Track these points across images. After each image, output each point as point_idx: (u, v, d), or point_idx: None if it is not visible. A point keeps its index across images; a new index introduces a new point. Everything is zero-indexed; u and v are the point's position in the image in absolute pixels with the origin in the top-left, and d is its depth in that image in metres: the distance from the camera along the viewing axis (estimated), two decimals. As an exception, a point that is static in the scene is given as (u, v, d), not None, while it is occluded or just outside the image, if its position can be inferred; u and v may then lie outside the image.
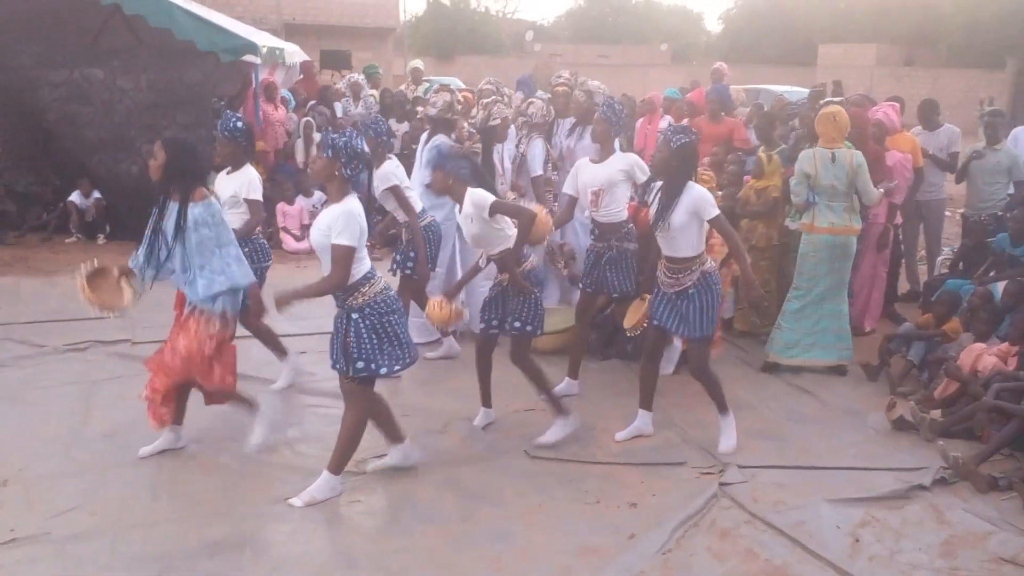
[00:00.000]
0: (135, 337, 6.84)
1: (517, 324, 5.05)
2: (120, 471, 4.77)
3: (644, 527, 4.32)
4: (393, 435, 4.80)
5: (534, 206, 6.03)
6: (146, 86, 10.27)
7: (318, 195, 10.57)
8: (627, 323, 5.63)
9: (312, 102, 12.20)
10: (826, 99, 8.81)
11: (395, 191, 6.11)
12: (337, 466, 4.56)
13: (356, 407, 4.52)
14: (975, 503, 4.64)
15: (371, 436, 5.21)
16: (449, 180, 5.01)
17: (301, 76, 13.45)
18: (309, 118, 11.56)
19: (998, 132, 8.19)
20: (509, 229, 5.06)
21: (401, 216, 6.25)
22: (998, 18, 31.42)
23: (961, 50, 34.10)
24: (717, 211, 4.93)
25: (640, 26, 50.78)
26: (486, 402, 5.46)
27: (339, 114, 12.05)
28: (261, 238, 6.01)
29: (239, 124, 5.63)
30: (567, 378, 6.05)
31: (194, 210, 4.52)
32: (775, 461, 5.08)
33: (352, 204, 4.31)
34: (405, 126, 11.52)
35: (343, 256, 4.23)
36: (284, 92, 12.25)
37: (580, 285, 6.12)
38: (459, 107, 7.06)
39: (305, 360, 6.39)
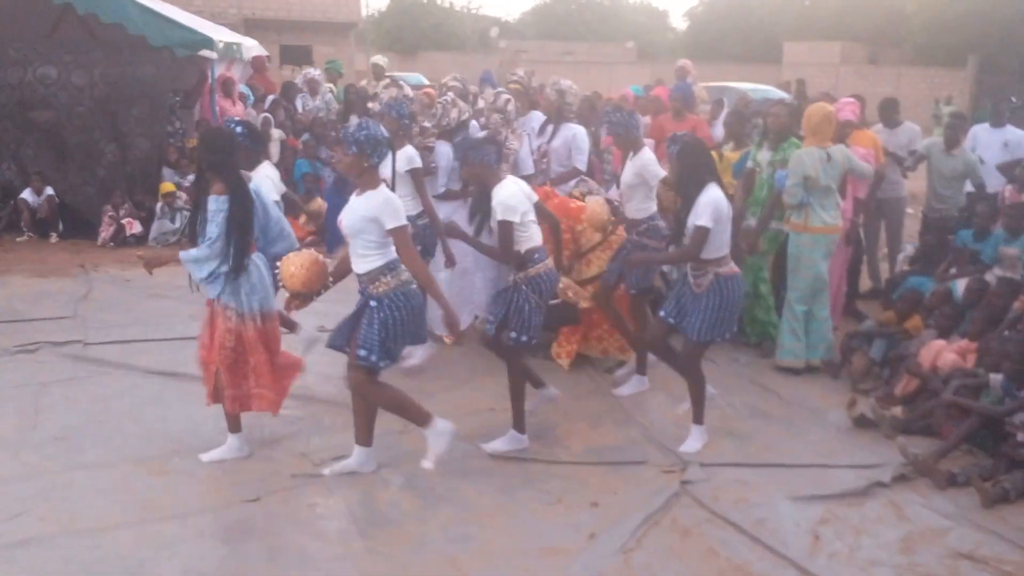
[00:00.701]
0: (87, 338, 6.70)
1: (513, 334, 4.90)
2: (71, 475, 4.66)
3: (605, 526, 4.28)
4: (363, 435, 4.74)
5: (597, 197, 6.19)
6: (100, 80, 10.08)
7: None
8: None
9: (271, 96, 12.06)
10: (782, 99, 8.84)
11: (415, 175, 6.09)
12: (421, 422, 4.61)
13: (370, 395, 4.57)
14: (934, 499, 4.65)
15: (328, 438, 5.17)
16: (478, 170, 4.96)
17: (252, 72, 13.26)
18: (267, 114, 11.42)
19: (957, 135, 8.19)
20: (528, 230, 4.96)
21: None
22: (961, 17, 31.85)
23: (924, 49, 34.52)
24: (705, 223, 4.87)
25: (605, 23, 50.92)
26: (537, 384, 5.31)
27: (298, 109, 11.93)
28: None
29: (239, 130, 5.51)
30: (635, 375, 6.06)
31: (209, 201, 4.56)
32: (737, 458, 5.07)
33: (387, 190, 4.46)
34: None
35: (406, 237, 4.39)
36: (242, 88, 12.10)
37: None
38: (415, 106, 7.01)
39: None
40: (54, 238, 9.99)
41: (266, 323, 4.78)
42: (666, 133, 9.31)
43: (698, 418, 5.20)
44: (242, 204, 4.59)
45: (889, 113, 8.61)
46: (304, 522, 4.32)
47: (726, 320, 5.05)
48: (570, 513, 4.44)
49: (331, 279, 4.72)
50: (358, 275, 4.47)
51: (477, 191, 5.34)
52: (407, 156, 6.03)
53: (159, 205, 10.11)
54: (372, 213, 4.34)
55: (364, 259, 4.42)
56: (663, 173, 5.78)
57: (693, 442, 5.16)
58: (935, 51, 33.52)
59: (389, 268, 4.41)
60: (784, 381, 6.30)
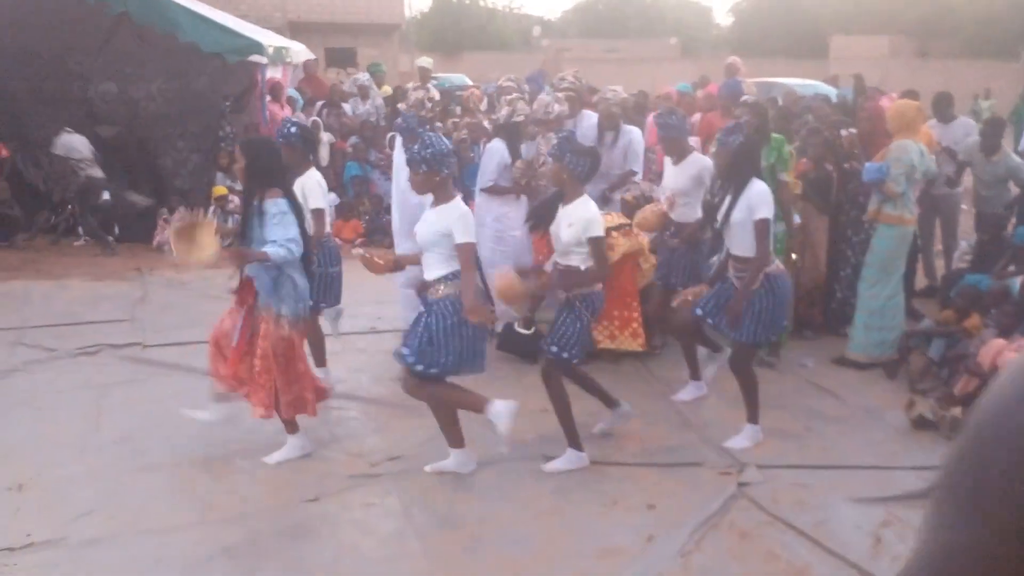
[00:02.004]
0: (146, 340, 6.82)
1: (554, 348, 4.75)
2: (134, 476, 4.75)
3: (663, 528, 4.26)
4: (476, 406, 4.70)
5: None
6: (157, 94, 10.34)
7: (332, 195, 10.60)
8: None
9: (321, 102, 12.18)
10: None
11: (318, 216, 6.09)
12: (452, 441, 4.72)
13: (423, 397, 4.63)
14: (997, 501, 4.56)
15: (383, 438, 5.20)
16: (564, 175, 4.74)
17: (303, 76, 13.41)
18: (316, 118, 11.54)
19: (994, 142, 7.93)
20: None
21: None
22: (1012, 8, 31.23)
23: (974, 41, 33.89)
24: (766, 215, 4.84)
25: (648, 20, 50.60)
26: (609, 403, 5.19)
27: (348, 113, 12.04)
28: (332, 241, 5.96)
29: (293, 129, 5.58)
30: (691, 380, 5.98)
31: (267, 205, 4.62)
32: (794, 460, 5.02)
33: (463, 205, 4.53)
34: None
35: (472, 252, 4.41)
36: (291, 92, 12.24)
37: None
38: (431, 105, 7.09)
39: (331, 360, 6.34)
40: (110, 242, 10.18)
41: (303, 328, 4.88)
42: (714, 130, 9.27)
43: (752, 417, 5.15)
44: (298, 206, 4.70)
45: (943, 108, 8.48)
46: (361, 522, 4.36)
47: (778, 319, 5.02)
48: (627, 515, 4.42)
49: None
50: (431, 280, 4.53)
51: (551, 196, 5.12)
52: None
53: (211, 208, 10.25)
54: (446, 227, 4.39)
55: (431, 268, 4.50)
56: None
57: (742, 439, 5.13)
58: (985, 43, 32.91)
59: (450, 277, 4.44)
60: (841, 382, 6.23)
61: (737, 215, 4.90)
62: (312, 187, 5.54)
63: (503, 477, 4.79)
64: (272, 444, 5.03)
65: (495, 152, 6.76)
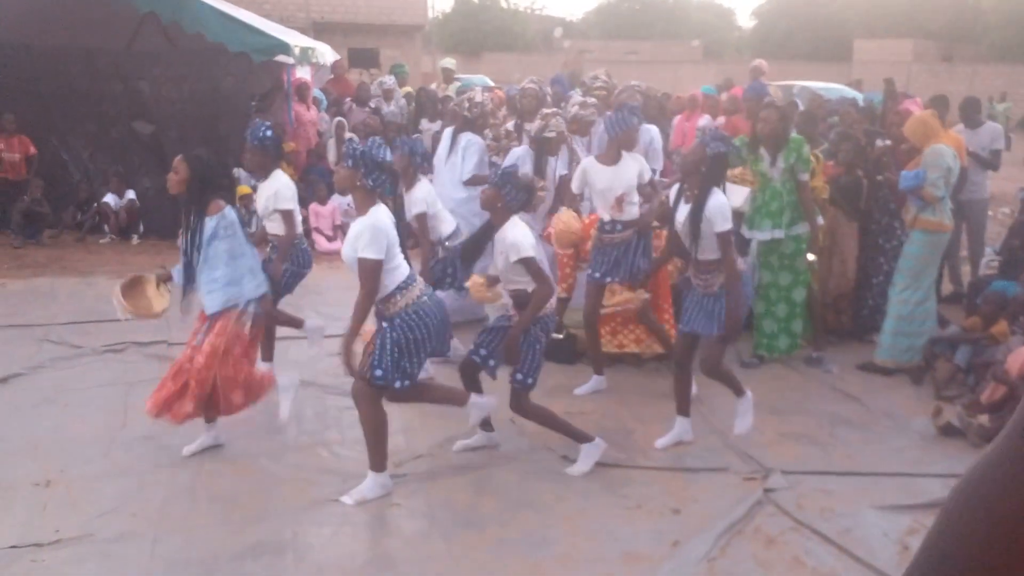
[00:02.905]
0: (171, 338, 6.85)
1: (519, 376, 4.70)
2: (159, 473, 4.78)
3: (688, 534, 4.25)
4: (456, 400, 4.76)
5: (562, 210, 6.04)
6: (189, 96, 10.45)
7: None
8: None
9: (348, 99, 12.22)
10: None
11: (420, 219, 6.10)
12: (376, 464, 4.54)
13: (365, 408, 4.48)
14: (1026, 510, 4.52)
15: (407, 437, 5.21)
16: (498, 203, 4.76)
17: (331, 76, 13.47)
18: (341, 118, 11.57)
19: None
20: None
21: None
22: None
23: (1001, 45, 33.57)
24: (728, 226, 4.86)
25: (670, 22, 50.52)
26: (579, 438, 5.01)
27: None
28: (304, 243, 5.99)
29: (268, 133, 5.59)
30: (594, 375, 6.04)
31: (209, 223, 4.66)
32: (820, 467, 5.00)
33: (377, 216, 4.30)
34: (437, 125, 11.50)
35: (370, 270, 4.23)
36: (315, 92, 12.28)
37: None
38: (489, 107, 7.12)
39: (338, 361, 6.38)
40: (135, 240, 10.27)
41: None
42: (740, 133, 9.25)
43: (738, 391, 5.13)
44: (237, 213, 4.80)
45: (970, 113, 8.42)
46: (387, 523, 4.38)
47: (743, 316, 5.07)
48: (651, 519, 4.41)
49: None
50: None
51: (478, 230, 5.14)
52: (413, 199, 6.09)
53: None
54: (355, 240, 4.28)
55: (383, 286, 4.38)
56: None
57: (743, 421, 5.13)
58: (1012, 47, 32.59)
59: (399, 289, 4.34)
60: (866, 388, 6.19)
61: (704, 225, 4.86)
62: (282, 189, 5.55)
63: (527, 479, 4.79)
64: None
65: (517, 157, 6.75)
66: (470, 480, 4.76)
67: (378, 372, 4.33)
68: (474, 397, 4.74)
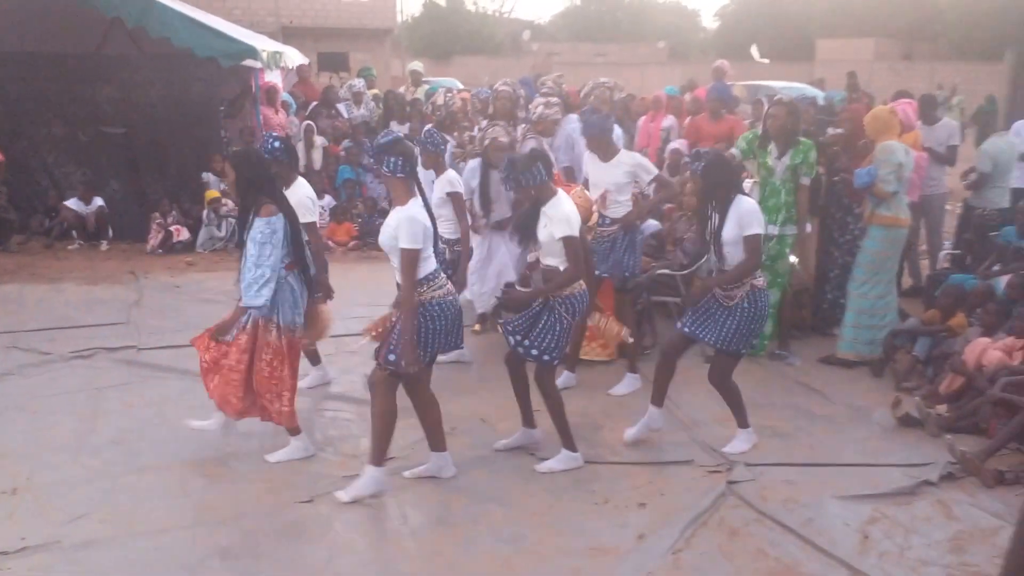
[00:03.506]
0: (140, 344, 6.86)
1: (535, 352, 4.77)
2: (129, 478, 4.78)
3: (654, 526, 4.33)
4: (436, 442, 4.81)
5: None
6: (158, 102, 10.42)
7: (327, 198, 10.73)
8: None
9: (314, 103, 12.23)
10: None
11: (454, 197, 6.23)
12: (376, 458, 4.61)
13: (380, 397, 4.55)
14: (982, 498, 4.65)
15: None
16: (531, 191, 4.83)
17: (296, 80, 13.44)
18: (310, 122, 11.58)
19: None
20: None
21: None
22: (996, 10, 31.42)
23: (960, 43, 34.07)
24: (758, 230, 4.91)
25: (636, 24, 50.75)
26: (527, 422, 5.18)
27: (343, 114, 12.10)
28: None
29: (277, 144, 5.58)
30: (564, 371, 6.12)
31: (259, 223, 4.70)
32: (782, 458, 5.09)
33: (414, 208, 4.43)
34: (405, 127, 11.54)
35: (409, 259, 4.35)
36: (284, 96, 12.27)
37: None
38: (456, 105, 7.27)
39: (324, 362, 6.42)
40: (104, 246, 10.21)
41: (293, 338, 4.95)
42: (703, 134, 9.39)
43: (742, 422, 5.21)
44: (292, 219, 4.80)
45: (927, 109, 8.58)
46: (357, 523, 4.41)
47: (755, 331, 5.09)
48: (618, 513, 4.48)
49: None
50: (398, 285, 4.54)
51: (526, 208, 5.14)
52: (447, 180, 6.23)
53: (205, 212, 10.30)
54: (395, 231, 4.40)
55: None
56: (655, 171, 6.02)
57: (740, 443, 5.17)
58: (971, 45, 33.07)
59: (426, 280, 4.45)
60: (827, 380, 6.31)
61: (727, 233, 4.93)
62: (302, 201, 5.52)
63: (495, 477, 4.85)
64: (268, 446, 5.09)
65: (470, 170, 6.93)
66: (440, 480, 4.80)
67: (391, 357, 4.43)
68: (444, 455, 4.80)
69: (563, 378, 6.11)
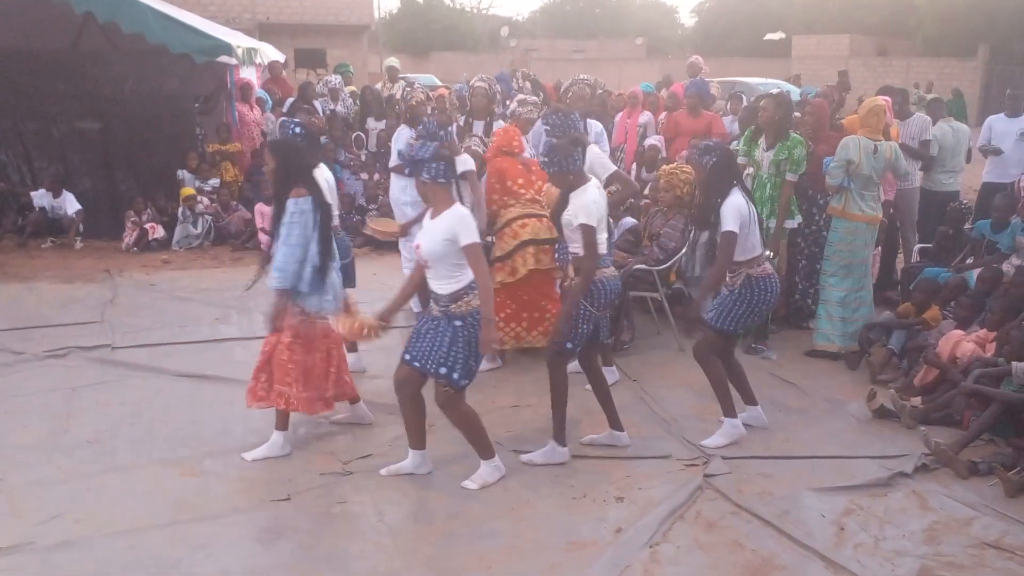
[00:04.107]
0: (115, 342, 6.79)
1: (443, 370, 4.46)
2: (104, 478, 4.74)
3: (631, 520, 4.34)
4: (414, 440, 4.79)
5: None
6: (130, 96, 10.31)
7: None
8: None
9: (289, 100, 12.17)
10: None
11: (468, 176, 6.23)
12: (482, 452, 4.70)
13: (454, 413, 4.57)
14: (957, 489, 4.69)
15: (355, 437, 5.24)
16: (570, 176, 4.81)
17: (268, 76, 13.37)
18: (285, 119, 11.50)
19: None
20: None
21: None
22: (970, 6, 31.70)
23: (934, 39, 34.34)
24: (731, 228, 4.95)
25: (614, 20, 50.94)
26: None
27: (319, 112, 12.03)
28: (339, 233, 5.89)
29: (298, 130, 5.61)
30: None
31: (290, 204, 4.72)
32: (759, 451, 5.12)
33: (461, 208, 4.45)
34: (382, 124, 11.51)
35: (478, 253, 4.35)
36: (261, 92, 12.21)
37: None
38: (417, 98, 7.43)
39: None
40: (78, 244, 10.10)
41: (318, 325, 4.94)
42: (681, 129, 9.42)
43: (727, 411, 5.22)
44: (322, 204, 4.80)
45: (901, 104, 8.64)
46: (334, 520, 4.39)
47: (751, 316, 5.16)
48: (596, 508, 4.49)
49: None
50: (437, 295, 4.44)
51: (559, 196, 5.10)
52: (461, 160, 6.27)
53: (180, 210, 10.22)
54: (450, 233, 4.34)
55: (447, 281, 4.42)
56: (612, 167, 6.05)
57: (719, 439, 5.17)
58: (945, 41, 33.34)
59: (471, 288, 4.40)
60: (803, 373, 6.35)
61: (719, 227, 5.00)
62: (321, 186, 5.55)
63: (473, 472, 4.83)
64: (244, 445, 5.06)
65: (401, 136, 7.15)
66: (418, 476, 4.79)
67: (443, 370, 4.40)
68: (422, 453, 4.80)
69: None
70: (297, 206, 4.70)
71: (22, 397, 5.80)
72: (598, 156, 6.09)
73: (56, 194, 10.26)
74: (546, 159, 4.84)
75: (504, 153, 6.40)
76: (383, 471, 4.79)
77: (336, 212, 5.82)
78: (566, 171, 4.79)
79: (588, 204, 4.71)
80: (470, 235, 4.33)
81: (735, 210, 4.95)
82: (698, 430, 5.29)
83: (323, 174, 5.59)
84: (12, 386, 5.99)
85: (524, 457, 4.97)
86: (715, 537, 4.23)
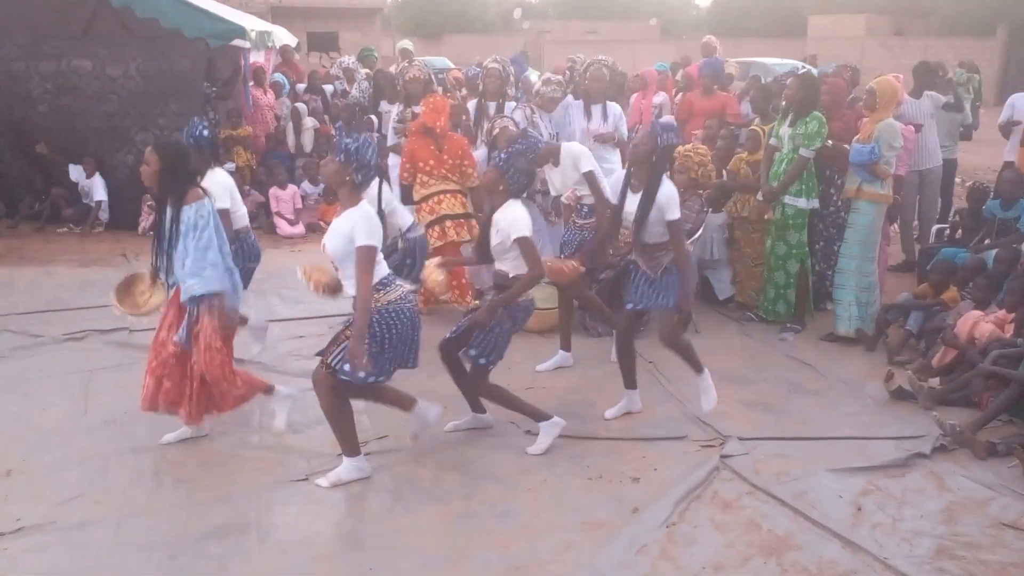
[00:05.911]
0: (132, 325, 6.81)
1: (473, 352, 4.71)
2: (122, 458, 4.78)
3: (647, 501, 4.34)
4: (403, 404, 4.77)
5: None
6: (136, 74, 10.20)
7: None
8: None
9: (302, 85, 12.16)
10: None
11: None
12: (347, 449, 4.56)
13: (324, 397, 4.47)
14: (974, 469, 4.67)
15: (371, 418, 5.25)
16: (500, 187, 4.79)
17: (280, 60, 13.34)
18: (299, 104, 11.53)
19: None
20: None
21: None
22: (989, -14, 31.38)
23: (952, 19, 33.99)
24: (678, 214, 4.98)
25: (628, 1, 50.57)
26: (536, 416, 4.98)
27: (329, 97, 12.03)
28: (251, 236, 5.97)
29: (204, 132, 5.52)
30: (560, 351, 6.12)
31: (188, 212, 4.57)
32: (775, 433, 5.11)
33: (366, 208, 4.35)
34: (396, 107, 11.46)
35: (368, 257, 4.24)
36: (277, 76, 12.18)
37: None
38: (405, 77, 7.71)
39: (302, 344, 6.43)
40: (100, 228, 10.14)
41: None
42: (695, 110, 9.37)
43: (697, 368, 5.17)
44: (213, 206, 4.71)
45: (925, 79, 8.59)
46: (351, 500, 4.41)
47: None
48: (612, 488, 4.50)
49: None
50: (351, 297, 4.36)
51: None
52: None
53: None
54: (348, 232, 4.26)
55: (351, 282, 4.34)
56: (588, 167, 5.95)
57: (707, 398, 5.16)
58: (962, 21, 33.00)
59: (382, 284, 4.35)
60: (820, 355, 6.33)
61: (654, 214, 4.97)
62: (217, 189, 5.33)
63: (489, 453, 4.86)
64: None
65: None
66: (433, 456, 4.81)
67: (346, 367, 4.32)
68: (420, 405, 4.77)
69: (558, 357, 6.11)
70: (203, 208, 4.58)
71: (41, 380, 5.85)
72: (574, 154, 6.01)
73: (89, 174, 10.23)
74: (504, 161, 4.79)
75: (424, 132, 6.69)
76: (320, 481, 4.56)
77: (243, 209, 5.87)
78: (507, 182, 4.75)
79: (519, 218, 4.69)
80: (363, 237, 4.22)
81: (674, 197, 5.01)
82: (714, 411, 5.26)
83: (218, 178, 5.50)
84: (31, 369, 6.04)
85: (530, 449, 4.92)
86: (731, 517, 4.23)
